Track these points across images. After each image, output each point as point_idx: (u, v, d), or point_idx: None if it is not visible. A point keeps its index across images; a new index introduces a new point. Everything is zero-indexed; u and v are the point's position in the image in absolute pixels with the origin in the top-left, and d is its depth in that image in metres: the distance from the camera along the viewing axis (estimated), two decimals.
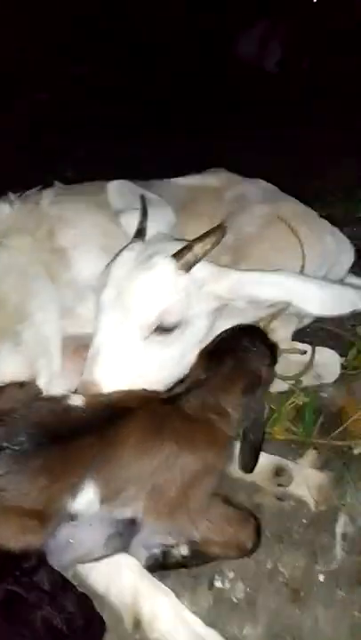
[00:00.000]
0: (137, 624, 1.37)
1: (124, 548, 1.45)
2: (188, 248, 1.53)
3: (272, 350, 1.61)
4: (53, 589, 1.32)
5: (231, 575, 1.53)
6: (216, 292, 1.60)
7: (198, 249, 1.53)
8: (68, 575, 1.40)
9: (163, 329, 1.55)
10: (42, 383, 1.59)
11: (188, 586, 1.49)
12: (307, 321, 2.12)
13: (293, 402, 2.01)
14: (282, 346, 1.95)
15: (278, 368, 2.01)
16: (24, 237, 1.80)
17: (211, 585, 1.50)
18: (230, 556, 1.46)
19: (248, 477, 1.75)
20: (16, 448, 1.25)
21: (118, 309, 1.54)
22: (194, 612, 1.40)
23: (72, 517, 1.32)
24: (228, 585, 1.51)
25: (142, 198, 1.73)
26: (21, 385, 1.44)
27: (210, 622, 1.40)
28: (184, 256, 1.53)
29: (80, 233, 1.84)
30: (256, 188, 2.02)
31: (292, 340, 2.06)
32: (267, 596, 1.49)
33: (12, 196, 1.91)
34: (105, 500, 1.32)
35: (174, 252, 1.55)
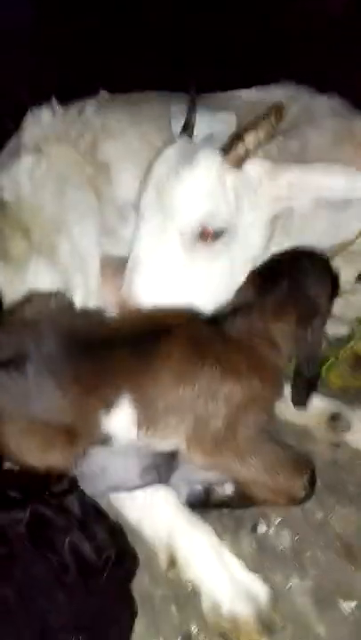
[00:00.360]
0: (172, 562, 1.24)
1: (162, 481, 1.33)
2: (237, 138, 1.30)
3: (335, 280, 1.41)
4: (84, 516, 1.21)
5: (277, 521, 1.38)
6: (274, 193, 1.37)
7: (251, 139, 1.29)
8: (102, 505, 1.28)
9: (207, 235, 1.34)
10: (76, 301, 1.45)
11: (229, 528, 1.35)
12: None
13: (352, 347, 1.82)
14: (345, 287, 1.75)
15: (337, 309, 1.83)
16: (65, 146, 1.64)
17: (254, 529, 1.36)
18: (278, 503, 1.30)
19: (299, 421, 1.60)
20: (44, 354, 1.13)
21: (158, 214, 1.35)
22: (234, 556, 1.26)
23: (106, 439, 1.19)
24: (272, 531, 1.36)
25: (192, 91, 1.51)
26: (51, 295, 1.30)
27: (252, 569, 1.26)
28: (234, 149, 1.30)
29: (124, 146, 1.66)
30: (328, 102, 1.77)
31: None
32: (316, 548, 1.34)
33: (54, 102, 1.73)
34: (142, 424, 1.19)
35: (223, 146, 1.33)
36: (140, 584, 1.22)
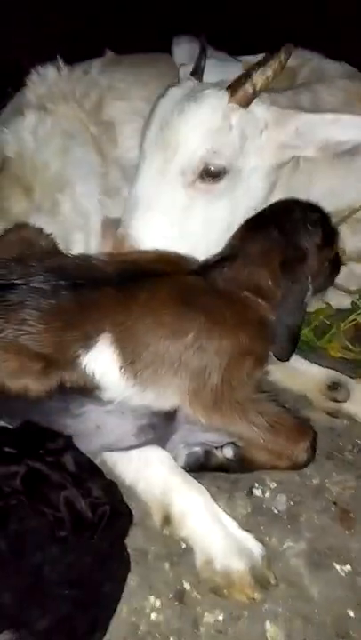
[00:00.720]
0: (166, 520, 1.24)
1: (159, 442, 1.32)
2: (245, 76, 1.27)
3: (329, 231, 1.36)
4: (79, 473, 1.20)
5: (273, 485, 1.38)
6: (279, 139, 1.34)
7: (258, 77, 1.26)
8: (96, 462, 1.27)
9: (209, 174, 1.30)
10: None
11: (224, 490, 1.35)
12: None
13: (354, 320, 1.81)
14: (351, 256, 1.73)
15: (340, 281, 1.81)
16: (71, 105, 1.62)
17: (250, 492, 1.36)
18: (278, 467, 1.29)
19: (298, 388, 1.59)
20: (32, 285, 1.14)
21: (160, 151, 1.32)
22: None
23: (96, 385, 1.18)
24: (268, 495, 1.36)
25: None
26: (39, 231, 1.31)
27: (246, 531, 1.26)
28: (241, 86, 1.27)
29: (129, 106, 1.64)
30: (340, 65, 1.73)
31: None
32: (312, 512, 1.34)
33: (60, 61, 1.69)
34: (126, 367, 1.17)
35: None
36: (134, 541, 1.22)
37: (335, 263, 1.41)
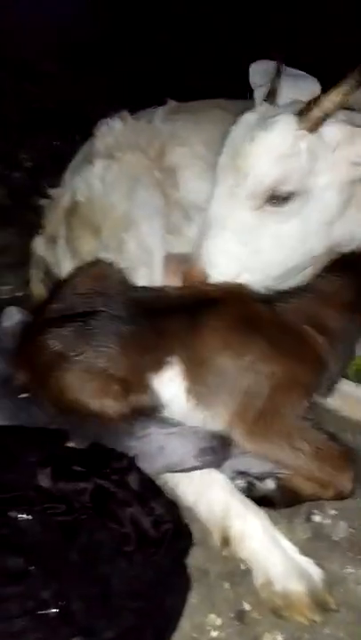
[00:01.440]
0: (225, 540, 1.28)
1: (217, 465, 1.37)
2: (313, 102, 1.32)
3: None
4: (143, 491, 1.27)
5: (332, 512, 1.38)
6: (351, 157, 1.37)
7: (328, 102, 1.30)
8: (159, 483, 1.34)
9: (277, 198, 1.37)
10: None
11: (284, 515, 1.37)
12: None
13: None
14: None
15: None
16: (136, 153, 1.76)
17: (309, 518, 1.37)
18: (323, 497, 1.31)
19: (356, 416, 1.60)
20: (112, 313, 1.26)
21: (232, 176, 1.40)
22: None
23: (159, 406, 1.26)
24: (328, 521, 1.36)
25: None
26: (116, 267, 1.43)
27: (306, 556, 1.27)
28: (310, 112, 1.32)
29: (190, 151, 1.76)
30: None
31: None
32: None
33: (125, 112, 1.86)
34: (190, 389, 1.25)
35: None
36: (195, 560, 1.26)
37: None
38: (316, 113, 1.32)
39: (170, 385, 1.25)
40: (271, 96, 1.50)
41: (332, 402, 1.59)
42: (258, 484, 1.37)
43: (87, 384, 1.23)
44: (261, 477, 1.38)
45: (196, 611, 1.19)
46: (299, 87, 1.56)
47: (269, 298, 1.36)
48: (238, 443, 1.30)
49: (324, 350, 1.31)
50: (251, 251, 1.40)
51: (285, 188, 1.37)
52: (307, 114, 1.33)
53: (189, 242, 1.71)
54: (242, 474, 1.39)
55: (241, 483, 1.38)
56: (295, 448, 1.24)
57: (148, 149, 1.77)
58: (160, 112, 1.89)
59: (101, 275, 1.38)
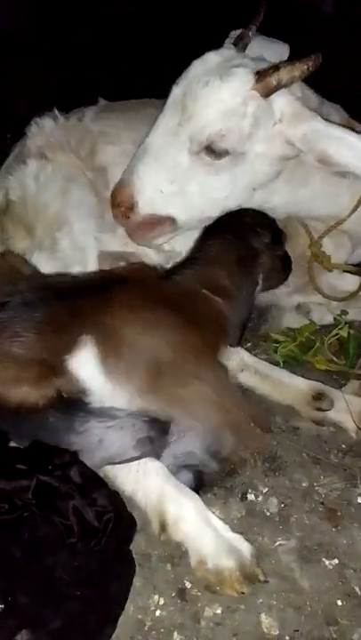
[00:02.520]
0: (163, 526, 1.34)
1: (155, 454, 1.44)
2: (273, 68, 1.37)
3: (276, 232, 1.55)
4: (85, 484, 1.32)
5: (265, 490, 1.48)
6: (288, 136, 1.44)
7: (285, 73, 1.36)
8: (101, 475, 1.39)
9: (211, 152, 1.43)
10: None
11: (219, 496, 1.46)
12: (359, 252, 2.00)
13: (337, 334, 1.94)
14: (334, 268, 1.86)
15: (321, 298, 1.95)
16: (67, 153, 1.78)
17: (244, 497, 1.46)
18: (250, 448, 1.44)
19: (286, 401, 1.71)
20: (22, 300, 1.28)
21: (178, 113, 1.44)
22: (224, 522, 1.36)
23: (83, 390, 1.30)
24: (261, 499, 1.47)
25: (261, 5, 1.58)
26: (24, 259, 1.48)
27: (240, 532, 1.36)
28: (267, 76, 1.37)
29: (120, 150, 1.79)
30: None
31: None
32: (301, 513, 1.44)
33: (56, 111, 1.87)
34: (106, 367, 1.29)
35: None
36: (138, 545, 1.32)
37: (286, 261, 1.60)
38: (272, 80, 1.37)
39: (86, 364, 1.28)
40: (240, 42, 1.53)
41: (262, 387, 1.70)
42: (201, 469, 1.44)
43: (4, 373, 1.23)
44: (202, 462, 1.44)
45: (140, 593, 1.26)
46: (269, 48, 1.61)
47: (168, 271, 1.45)
48: (157, 409, 1.36)
49: (223, 306, 1.43)
50: (177, 190, 1.46)
51: (222, 145, 1.42)
52: (264, 77, 1.37)
53: (123, 240, 1.76)
54: (185, 467, 1.46)
55: (189, 474, 1.45)
56: (220, 406, 1.35)
57: (79, 149, 1.79)
58: (91, 111, 1.91)
59: (12, 268, 1.40)
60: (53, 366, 1.25)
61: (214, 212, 1.53)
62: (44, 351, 1.25)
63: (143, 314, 1.32)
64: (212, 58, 1.48)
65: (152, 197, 1.49)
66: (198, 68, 1.47)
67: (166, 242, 1.64)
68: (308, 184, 1.64)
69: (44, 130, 1.81)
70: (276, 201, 1.63)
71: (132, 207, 1.54)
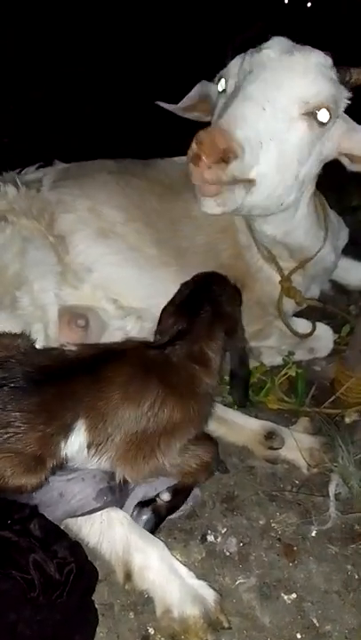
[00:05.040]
0: (128, 575, 1.37)
1: (117, 503, 1.48)
2: (345, 66, 1.54)
3: (238, 291, 1.66)
4: (45, 537, 1.33)
5: (224, 530, 1.53)
6: (336, 140, 1.62)
7: (356, 72, 1.54)
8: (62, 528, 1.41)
9: (312, 116, 1.52)
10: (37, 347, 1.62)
11: (180, 540, 1.50)
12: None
13: (286, 373, 2.05)
14: (305, 302, 2.00)
15: (273, 342, 2.06)
16: (30, 219, 1.85)
17: (203, 539, 1.51)
18: (199, 479, 1.50)
19: (240, 441, 1.78)
20: (13, 385, 1.28)
21: (267, 84, 1.49)
22: (186, 565, 1.40)
23: (65, 461, 1.34)
24: (220, 539, 1.51)
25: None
26: (16, 335, 1.47)
27: (202, 574, 1.41)
28: (343, 69, 1.54)
29: (76, 217, 1.89)
30: None
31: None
32: (259, 551, 1.49)
33: (17, 178, 1.96)
34: (92, 443, 1.33)
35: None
36: (101, 595, 1.34)
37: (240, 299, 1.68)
38: (352, 74, 1.56)
39: (74, 445, 1.32)
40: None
41: (218, 429, 1.77)
42: (158, 502, 1.50)
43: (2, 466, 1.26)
44: (157, 496, 1.50)
45: None
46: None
47: (159, 344, 1.50)
48: (127, 477, 1.41)
49: (209, 377, 1.49)
50: (273, 148, 1.49)
51: (320, 115, 1.53)
52: (341, 68, 1.54)
53: (81, 296, 1.84)
54: (143, 504, 1.50)
55: (147, 514, 1.49)
56: (173, 467, 1.42)
57: (40, 218, 1.87)
58: (49, 178, 2.01)
59: (3, 345, 1.41)
60: (45, 455, 1.28)
61: (286, 190, 1.59)
62: (37, 444, 1.27)
63: (132, 389, 1.36)
64: (280, 41, 1.58)
65: (252, 148, 1.43)
66: (272, 49, 1.55)
67: (227, 211, 1.56)
68: (304, 209, 1.80)
69: (7, 196, 1.88)
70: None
71: (224, 156, 1.39)
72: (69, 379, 1.33)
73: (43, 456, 1.29)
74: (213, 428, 1.78)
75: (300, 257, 1.91)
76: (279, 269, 1.91)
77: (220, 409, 1.82)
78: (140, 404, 1.36)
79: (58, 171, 2.08)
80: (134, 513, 1.49)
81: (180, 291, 1.60)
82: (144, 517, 1.49)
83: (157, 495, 1.48)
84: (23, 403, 1.27)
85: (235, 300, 1.59)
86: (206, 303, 1.53)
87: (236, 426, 1.79)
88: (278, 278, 1.92)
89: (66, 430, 1.31)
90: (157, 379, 1.39)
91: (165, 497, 1.47)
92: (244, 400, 1.56)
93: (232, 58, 1.65)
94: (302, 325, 2.07)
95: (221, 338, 1.50)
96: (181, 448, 1.41)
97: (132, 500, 1.51)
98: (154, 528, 1.49)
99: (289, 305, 2.00)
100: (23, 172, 2.04)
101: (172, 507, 1.49)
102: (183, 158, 2.09)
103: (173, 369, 1.43)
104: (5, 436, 1.26)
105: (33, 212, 1.86)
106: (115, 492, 1.48)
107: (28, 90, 4.16)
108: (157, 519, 1.50)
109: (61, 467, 1.36)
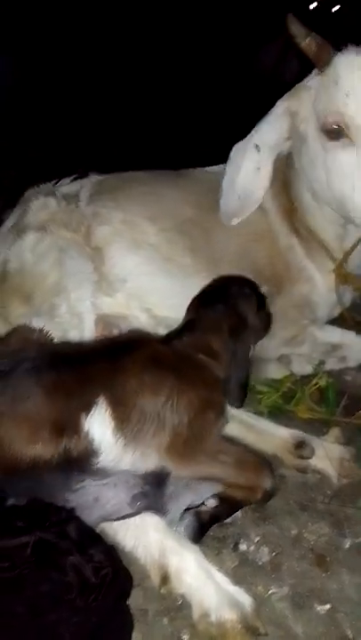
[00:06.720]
0: (164, 579, 1.38)
1: (152, 508, 1.49)
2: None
3: (260, 297, 1.70)
4: (82, 540, 1.36)
5: (256, 539, 1.54)
6: None
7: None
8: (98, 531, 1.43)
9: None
10: None
11: (213, 547, 1.51)
12: None
13: (317, 383, 2.04)
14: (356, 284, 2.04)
15: (306, 347, 2.08)
16: (70, 231, 1.92)
17: (235, 547, 1.51)
18: (253, 499, 1.50)
19: (270, 450, 1.78)
20: (32, 365, 1.37)
21: None
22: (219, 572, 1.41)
23: (92, 447, 1.37)
24: (252, 548, 1.52)
25: None
26: (34, 330, 1.56)
27: (235, 582, 1.40)
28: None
29: (111, 230, 1.95)
30: None
31: None
32: (292, 560, 1.50)
33: (57, 192, 2.03)
34: (118, 429, 1.37)
35: None
36: (135, 600, 1.35)
37: (268, 319, 1.73)
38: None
39: (99, 425, 1.36)
40: None
41: (248, 436, 1.78)
42: (202, 509, 1.51)
43: (18, 433, 1.31)
44: (202, 503, 1.51)
45: None
46: None
47: (167, 337, 1.57)
48: (173, 472, 1.44)
49: (218, 370, 1.53)
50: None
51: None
52: None
53: (118, 305, 1.89)
54: (186, 510, 1.51)
55: (191, 519, 1.50)
56: (221, 462, 1.43)
57: (77, 230, 1.94)
58: (84, 192, 2.06)
59: (24, 338, 1.49)
60: (64, 426, 1.33)
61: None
62: (54, 411, 1.33)
63: (148, 379, 1.42)
64: None
65: None
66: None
67: None
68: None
69: (48, 208, 1.95)
70: None
71: None
72: (87, 364, 1.41)
73: (61, 424, 1.33)
74: (243, 435, 1.79)
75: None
76: (331, 257, 1.96)
77: (249, 417, 1.84)
78: (157, 394, 1.40)
79: (93, 183, 2.13)
80: (177, 518, 1.50)
81: (204, 287, 1.68)
82: (185, 521, 1.51)
83: (203, 503, 1.49)
84: (43, 379, 1.35)
85: (251, 305, 1.63)
86: (220, 300, 1.58)
87: (266, 434, 1.80)
88: (318, 278, 1.98)
89: (86, 405, 1.35)
90: (169, 368, 1.44)
91: (211, 503, 1.49)
92: (239, 403, 1.57)
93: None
94: (334, 333, 2.07)
95: (227, 334, 1.54)
96: (220, 442, 1.44)
97: (176, 507, 1.52)
98: (195, 535, 1.49)
99: (347, 296, 2.06)
100: (58, 183, 2.09)
101: (216, 516, 1.50)
102: (215, 167, 2.17)
103: (182, 358, 1.49)
104: (23, 403, 1.33)
105: (72, 225, 1.93)
106: (149, 497, 1.50)
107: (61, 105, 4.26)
108: (199, 526, 1.51)
109: (90, 456, 1.38)
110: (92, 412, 1.35)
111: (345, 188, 1.77)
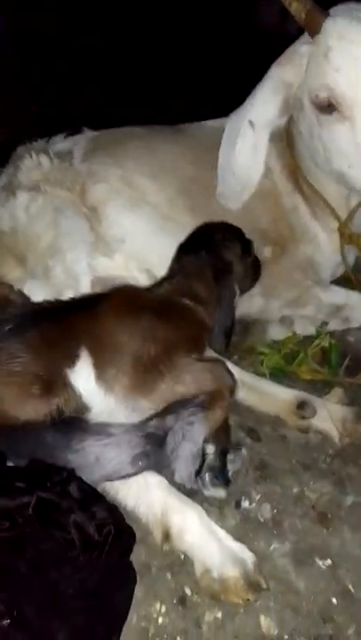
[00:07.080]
0: (166, 536, 1.39)
1: (154, 468, 1.48)
2: None
3: (245, 244, 1.68)
4: (84, 498, 1.36)
5: (257, 497, 1.54)
6: None
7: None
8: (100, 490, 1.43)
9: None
10: None
11: (215, 505, 1.51)
12: None
13: (319, 344, 2.02)
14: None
15: (309, 309, 2.05)
16: (64, 190, 1.85)
17: (237, 505, 1.52)
18: (225, 399, 1.47)
19: (272, 410, 1.77)
20: (13, 324, 1.36)
21: None
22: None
23: (80, 400, 1.37)
24: (254, 505, 1.52)
25: None
26: (11, 288, 1.55)
27: (237, 539, 1.41)
28: None
29: (108, 187, 1.87)
30: None
31: None
32: (293, 518, 1.50)
33: (48, 147, 1.95)
34: (100, 376, 1.37)
35: None
36: (138, 556, 1.36)
37: (256, 266, 1.72)
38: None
39: (84, 376, 1.35)
40: None
41: (250, 398, 1.77)
42: (209, 458, 1.50)
43: (8, 392, 1.30)
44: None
45: (143, 602, 1.30)
46: None
47: (151, 286, 1.60)
48: (144, 404, 1.43)
49: (203, 314, 1.53)
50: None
51: None
52: None
53: (116, 267, 1.84)
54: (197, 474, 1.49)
55: (207, 474, 1.50)
56: (182, 382, 1.42)
57: (72, 189, 1.87)
58: (78, 149, 1.98)
59: (2, 296, 1.48)
60: (53, 382, 1.31)
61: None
62: (41, 368, 1.32)
63: (128, 319, 1.43)
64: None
65: None
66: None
67: None
68: None
69: (41, 167, 1.87)
70: None
71: None
72: (66, 315, 1.41)
73: (50, 380, 1.32)
74: (245, 396, 1.78)
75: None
76: (336, 216, 1.92)
77: (251, 378, 1.82)
78: (137, 333, 1.40)
79: (87, 140, 2.04)
80: (199, 483, 1.49)
81: (189, 235, 1.67)
82: (206, 479, 1.50)
83: (204, 455, 1.48)
84: (25, 336, 1.34)
85: (236, 249, 1.62)
86: (203, 248, 1.58)
87: (268, 395, 1.79)
88: (323, 238, 1.95)
89: (70, 357, 1.35)
90: (151, 310, 1.45)
91: (210, 449, 1.48)
92: (222, 347, 1.57)
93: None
94: (339, 294, 2.04)
95: (212, 280, 1.54)
96: (186, 363, 1.43)
97: (180, 463, 1.50)
98: (223, 481, 1.50)
99: (351, 256, 2.02)
100: (51, 140, 2.01)
101: (222, 450, 1.49)
102: (214, 122, 2.08)
103: (165, 302, 1.50)
104: (10, 363, 1.31)
105: (67, 184, 1.85)
106: (149, 457, 1.50)
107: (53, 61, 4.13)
108: (219, 471, 1.50)
109: (81, 411, 1.38)
110: (76, 365, 1.35)
111: (342, 165, 1.73)
